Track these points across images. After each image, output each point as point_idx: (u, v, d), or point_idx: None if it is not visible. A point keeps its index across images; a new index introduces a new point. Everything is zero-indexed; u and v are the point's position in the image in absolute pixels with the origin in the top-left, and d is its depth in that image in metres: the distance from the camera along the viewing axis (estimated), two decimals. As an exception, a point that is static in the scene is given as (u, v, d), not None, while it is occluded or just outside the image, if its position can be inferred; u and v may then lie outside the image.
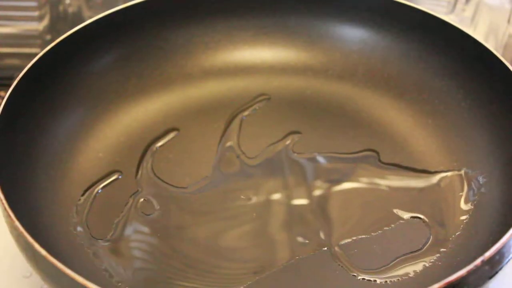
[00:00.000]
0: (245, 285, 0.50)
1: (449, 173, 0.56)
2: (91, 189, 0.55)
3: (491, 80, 0.56)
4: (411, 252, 0.51)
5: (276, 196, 0.55)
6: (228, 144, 0.59)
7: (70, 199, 0.54)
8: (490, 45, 0.57)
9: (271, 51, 0.65)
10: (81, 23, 0.58)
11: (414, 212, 0.54)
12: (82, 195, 0.55)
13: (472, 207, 0.53)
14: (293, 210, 0.55)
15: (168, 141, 0.59)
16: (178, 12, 0.63)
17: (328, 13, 0.63)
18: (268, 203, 0.55)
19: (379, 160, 0.58)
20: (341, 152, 0.58)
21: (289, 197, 0.55)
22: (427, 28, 0.60)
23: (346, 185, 0.56)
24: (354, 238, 0.52)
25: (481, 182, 0.54)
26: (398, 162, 0.57)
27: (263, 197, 0.55)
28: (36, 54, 0.56)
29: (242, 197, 0.55)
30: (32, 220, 0.48)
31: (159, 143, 0.59)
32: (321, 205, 0.55)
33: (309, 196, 0.55)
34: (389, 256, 0.51)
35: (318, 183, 0.56)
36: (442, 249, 0.51)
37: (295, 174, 0.57)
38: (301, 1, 0.64)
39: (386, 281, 0.50)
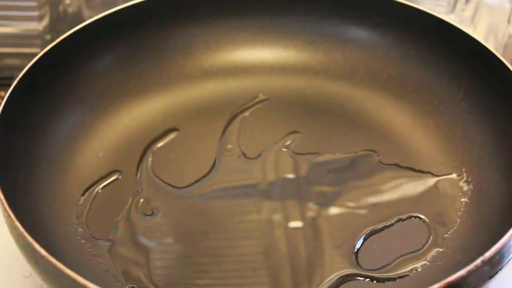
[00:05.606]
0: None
1: (449, 173, 0.56)
2: (91, 189, 0.55)
3: (491, 80, 0.56)
4: (411, 252, 0.51)
5: (276, 196, 0.55)
6: (228, 144, 0.59)
7: (70, 199, 0.54)
8: (490, 45, 0.57)
9: (271, 51, 0.65)
10: (81, 23, 0.58)
11: (414, 212, 0.54)
12: (82, 195, 0.55)
13: (472, 207, 0.53)
14: (292, 210, 0.55)
15: (168, 141, 0.59)
16: (178, 12, 0.63)
17: (328, 13, 0.63)
18: (268, 202, 0.55)
19: (379, 160, 0.58)
20: (341, 152, 0.58)
21: (289, 197, 0.55)
22: (427, 28, 0.60)
23: (346, 185, 0.56)
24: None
25: (480, 182, 0.54)
26: (398, 162, 0.57)
27: (262, 196, 0.55)
28: (36, 54, 0.56)
29: (241, 196, 0.55)
30: (32, 220, 0.48)
31: (159, 143, 0.59)
32: (320, 206, 0.55)
33: (309, 196, 0.55)
34: (390, 256, 0.51)
35: (318, 183, 0.56)
36: (442, 249, 0.51)
37: (295, 174, 0.57)
38: (301, 1, 0.64)
39: (386, 281, 0.50)
